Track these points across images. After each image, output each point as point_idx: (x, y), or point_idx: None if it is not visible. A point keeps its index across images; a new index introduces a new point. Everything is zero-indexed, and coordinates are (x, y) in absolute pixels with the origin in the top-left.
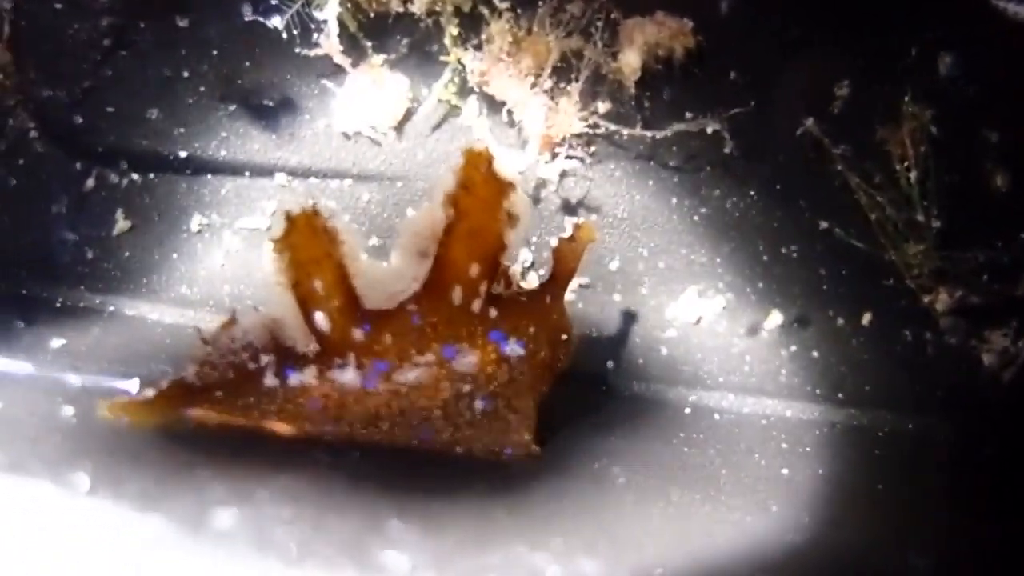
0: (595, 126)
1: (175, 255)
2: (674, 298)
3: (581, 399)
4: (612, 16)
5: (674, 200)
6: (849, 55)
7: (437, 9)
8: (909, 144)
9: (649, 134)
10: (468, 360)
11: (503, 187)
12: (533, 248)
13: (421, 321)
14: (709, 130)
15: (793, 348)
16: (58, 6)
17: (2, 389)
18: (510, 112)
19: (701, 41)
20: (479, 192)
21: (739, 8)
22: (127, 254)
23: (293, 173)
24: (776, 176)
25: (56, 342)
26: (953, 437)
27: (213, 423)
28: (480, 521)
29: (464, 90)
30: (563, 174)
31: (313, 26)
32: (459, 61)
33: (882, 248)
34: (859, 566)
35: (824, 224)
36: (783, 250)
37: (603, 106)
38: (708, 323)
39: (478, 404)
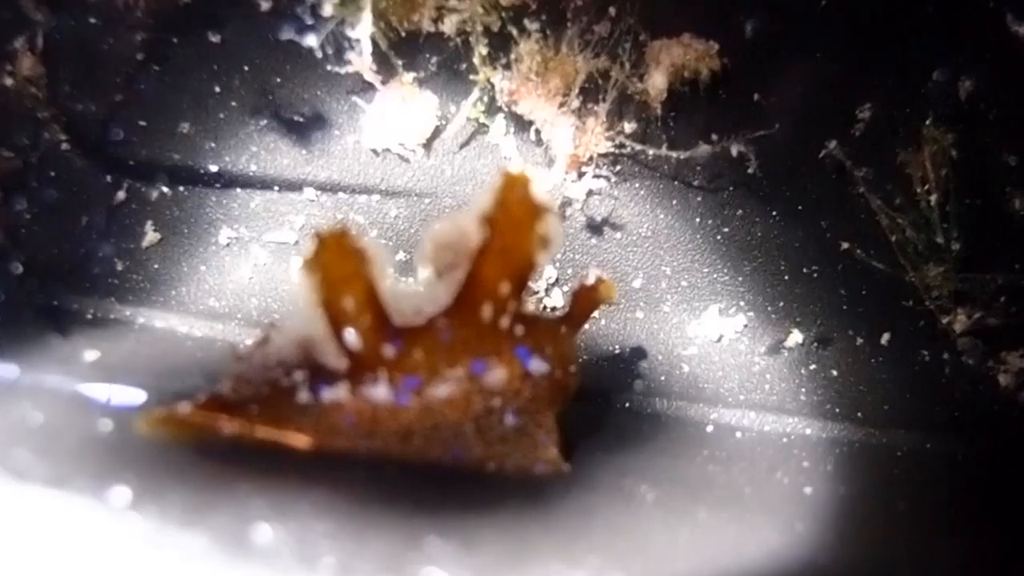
0: (621, 146)
1: (203, 268)
2: (696, 316)
3: (604, 416)
4: (639, 38)
5: (698, 220)
6: (871, 79)
7: (467, 29)
8: (930, 167)
9: (674, 154)
10: (497, 375)
11: (539, 210)
12: (557, 265)
13: (451, 336)
14: (733, 151)
15: (813, 367)
16: (92, 20)
17: (41, 402)
18: (538, 131)
19: (726, 63)
20: (515, 213)
21: (764, 31)
22: (156, 266)
23: (322, 188)
24: (798, 197)
25: (90, 355)
26: (971, 457)
27: (248, 438)
28: (516, 538)
29: (492, 109)
30: (589, 193)
31: (346, 44)
32: (488, 80)
33: (902, 269)
34: None
35: (845, 245)
36: (804, 270)
37: (629, 126)
38: (729, 341)
39: (508, 419)
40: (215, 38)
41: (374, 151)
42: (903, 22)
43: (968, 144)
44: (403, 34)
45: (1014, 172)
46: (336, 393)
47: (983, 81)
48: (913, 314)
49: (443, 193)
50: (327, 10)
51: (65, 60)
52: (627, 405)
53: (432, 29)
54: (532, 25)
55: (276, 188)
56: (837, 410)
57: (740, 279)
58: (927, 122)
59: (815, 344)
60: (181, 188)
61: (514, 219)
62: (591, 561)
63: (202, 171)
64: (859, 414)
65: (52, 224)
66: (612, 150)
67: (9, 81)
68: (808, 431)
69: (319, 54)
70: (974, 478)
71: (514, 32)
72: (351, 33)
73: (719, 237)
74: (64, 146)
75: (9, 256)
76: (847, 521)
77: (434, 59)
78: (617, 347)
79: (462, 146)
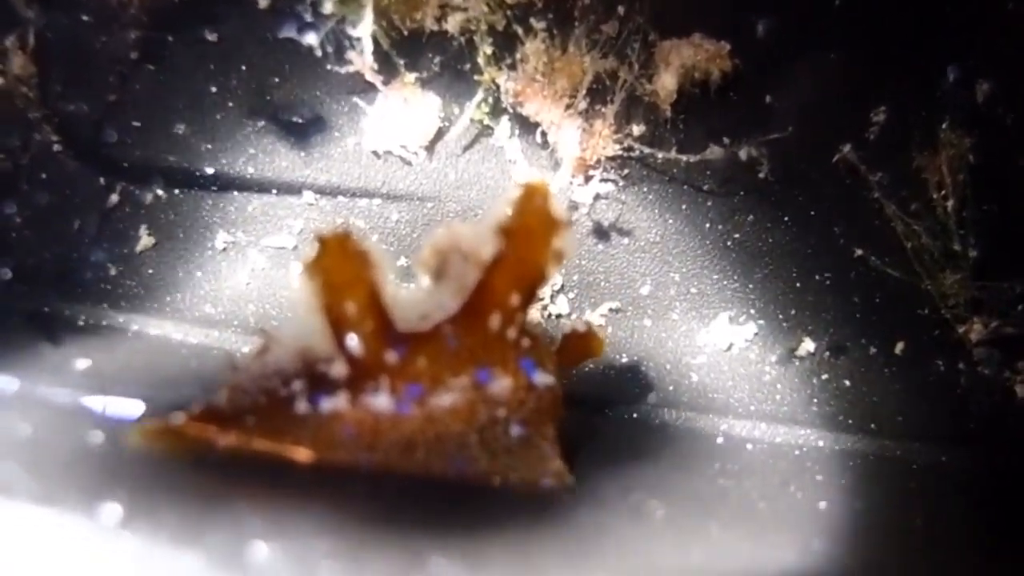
0: (629, 149)
1: (199, 273)
2: (706, 324)
3: (611, 427)
4: (649, 37)
5: (707, 225)
6: (887, 81)
7: (471, 28)
8: (947, 172)
9: (684, 158)
10: (502, 384)
11: (556, 224)
12: (563, 271)
13: (457, 343)
14: (744, 155)
15: (825, 376)
16: (84, 18)
17: (30, 413)
18: (544, 133)
19: (738, 64)
20: (532, 225)
21: (777, 31)
22: (150, 272)
23: (321, 192)
24: (811, 202)
25: (82, 363)
26: (987, 470)
27: (244, 451)
28: (523, 557)
29: (497, 110)
30: (596, 197)
31: (347, 43)
32: (493, 81)
33: (917, 277)
34: None
35: (859, 251)
36: (816, 277)
37: (638, 128)
38: (739, 350)
39: (513, 429)
40: (212, 36)
41: (375, 153)
42: (919, 23)
43: (986, 148)
44: (405, 33)
45: None
46: (335, 403)
47: (1001, 84)
48: (928, 323)
49: (446, 197)
50: (327, 7)
51: (57, 59)
52: (635, 416)
53: (435, 28)
54: (538, 24)
55: (274, 191)
56: (850, 421)
57: (751, 286)
58: (944, 126)
59: (828, 353)
60: (176, 191)
61: (531, 231)
62: None
63: (198, 174)
64: (873, 425)
65: (43, 228)
66: (620, 153)
67: None
68: (821, 443)
69: (319, 53)
70: (991, 491)
71: (520, 31)
72: (352, 32)
73: (729, 243)
74: (56, 147)
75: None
76: (863, 537)
77: (437, 59)
78: (624, 356)
79: (466, 148)
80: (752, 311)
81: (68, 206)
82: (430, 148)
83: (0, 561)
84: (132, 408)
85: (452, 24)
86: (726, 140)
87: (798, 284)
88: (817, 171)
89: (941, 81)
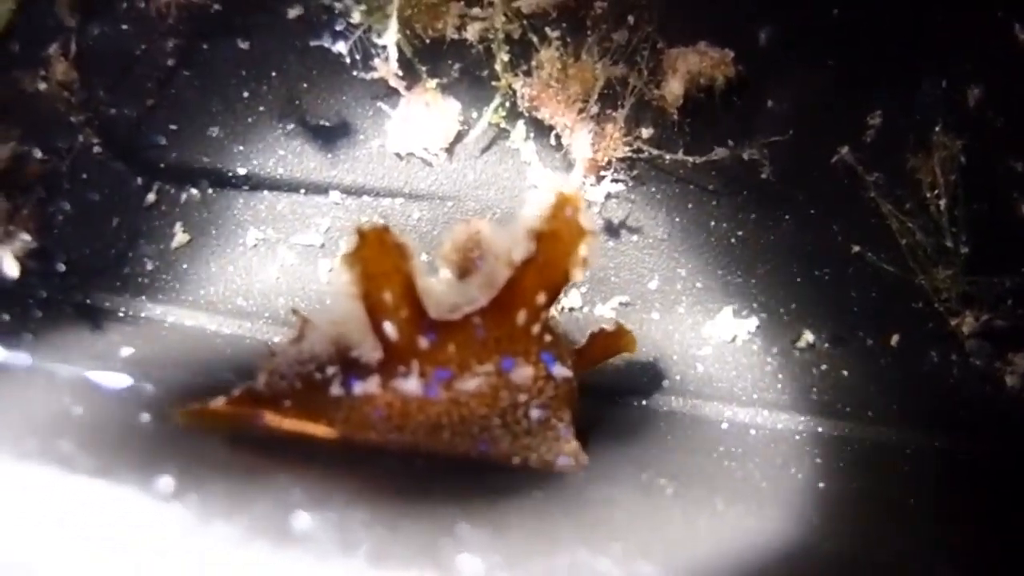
0: (639, 151)
1: (231, 268)
2: (711, 317)
3: (621, 414)
4: (657, 45)
5: (712, 223)
6: (882, 86)
7: (489, 36)
8: (939, 172)
9: (690, 159)
10: (524, 372)
11: (585, 233)
12: None
13: (484, 334)
14: (747, 156)
15: (824, 367)
16: (124, 27)
17: (81, 395)
18: (557, 136)
19: (741, 71)
20: (562, 232)
21: (778, 40)
22: (185, 266)
23: (347, 191)
24: (811, 202)
25: (125, 351)
26: (977, 455)
27: (281, 431)
28: (543, 527)
29: (513, 114)
30: (607, 196)
31: (372, 51)
32: (509, 86)
33: (911, 272)
34: None
35: (856, 248)
36: (816, 273)
37: (646, 131)
38: (743, 342)
39: (533, 413)
40: (245, 45)
41: (398, 155)
42: (913, 32)
43: (976, 150)
44: (427, 41)
45: (1021, 177)
46: (367, 387)
47: (991, 89)
48: (922, 316)
49: (465, 196)
50: (355, 17)
51: (98, 66)
52: (644, 403)
53: (456, 36)
54: (553, 33)
55: (302, 191)
56: (848, 409)
57: (753, 281)
58: (936, 128)
59: (827, 345)
60: (210, 190)
61: (560, 238)
62: (614, 548)
63: (231, 174)
64: (869, 413)
65: (84, 225)
66: (630, 155)
67: (43, 86)
68: (820, 429)
69: (347, 61)
70: (980, 475)
71: (535, 40)
72: (377, 40)
73: (733, 240)
74: (97, 149)
75: (51, 255)
76: (859, 514)
77: (457, 66)
78: None
79: (484, 150)
80: (755, 305)
81: (108, 205)
82: (450, 150)
83: (64, 528)
84: (173, 391)
85: (471, 33)
86: (730, 142)
87: (798, 279)
88: (816, 172)
89: (934, 86)
